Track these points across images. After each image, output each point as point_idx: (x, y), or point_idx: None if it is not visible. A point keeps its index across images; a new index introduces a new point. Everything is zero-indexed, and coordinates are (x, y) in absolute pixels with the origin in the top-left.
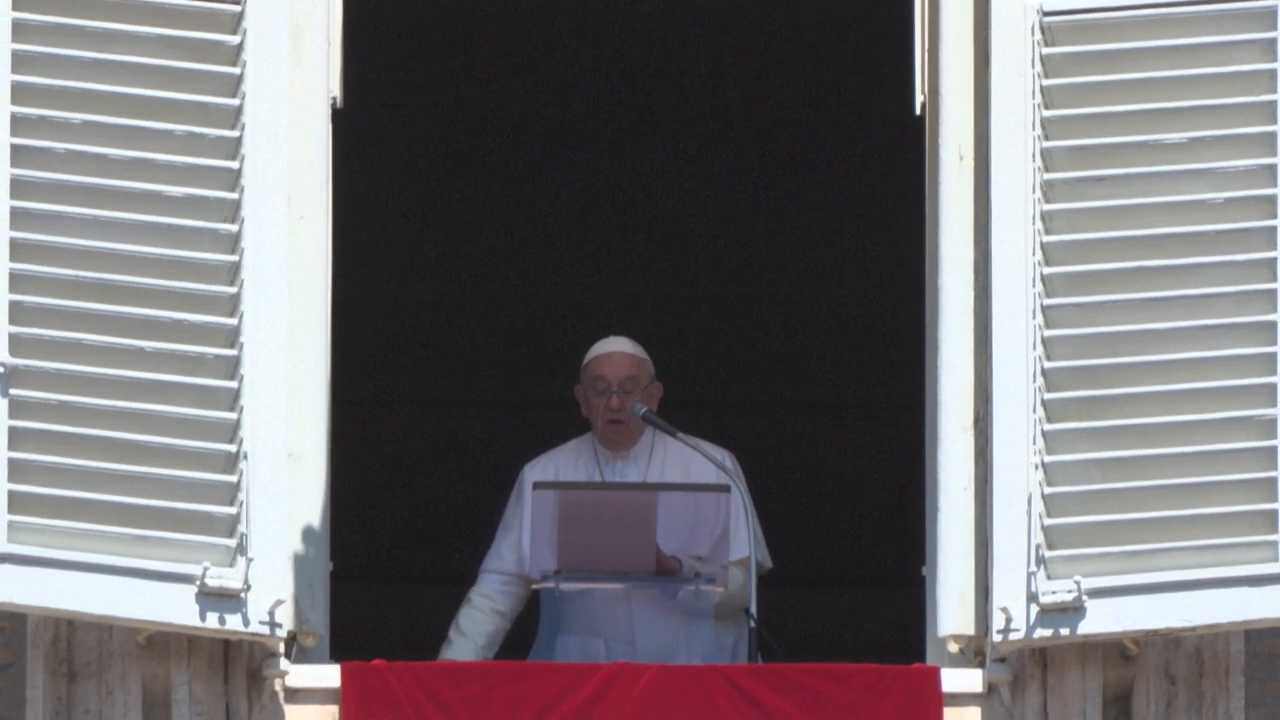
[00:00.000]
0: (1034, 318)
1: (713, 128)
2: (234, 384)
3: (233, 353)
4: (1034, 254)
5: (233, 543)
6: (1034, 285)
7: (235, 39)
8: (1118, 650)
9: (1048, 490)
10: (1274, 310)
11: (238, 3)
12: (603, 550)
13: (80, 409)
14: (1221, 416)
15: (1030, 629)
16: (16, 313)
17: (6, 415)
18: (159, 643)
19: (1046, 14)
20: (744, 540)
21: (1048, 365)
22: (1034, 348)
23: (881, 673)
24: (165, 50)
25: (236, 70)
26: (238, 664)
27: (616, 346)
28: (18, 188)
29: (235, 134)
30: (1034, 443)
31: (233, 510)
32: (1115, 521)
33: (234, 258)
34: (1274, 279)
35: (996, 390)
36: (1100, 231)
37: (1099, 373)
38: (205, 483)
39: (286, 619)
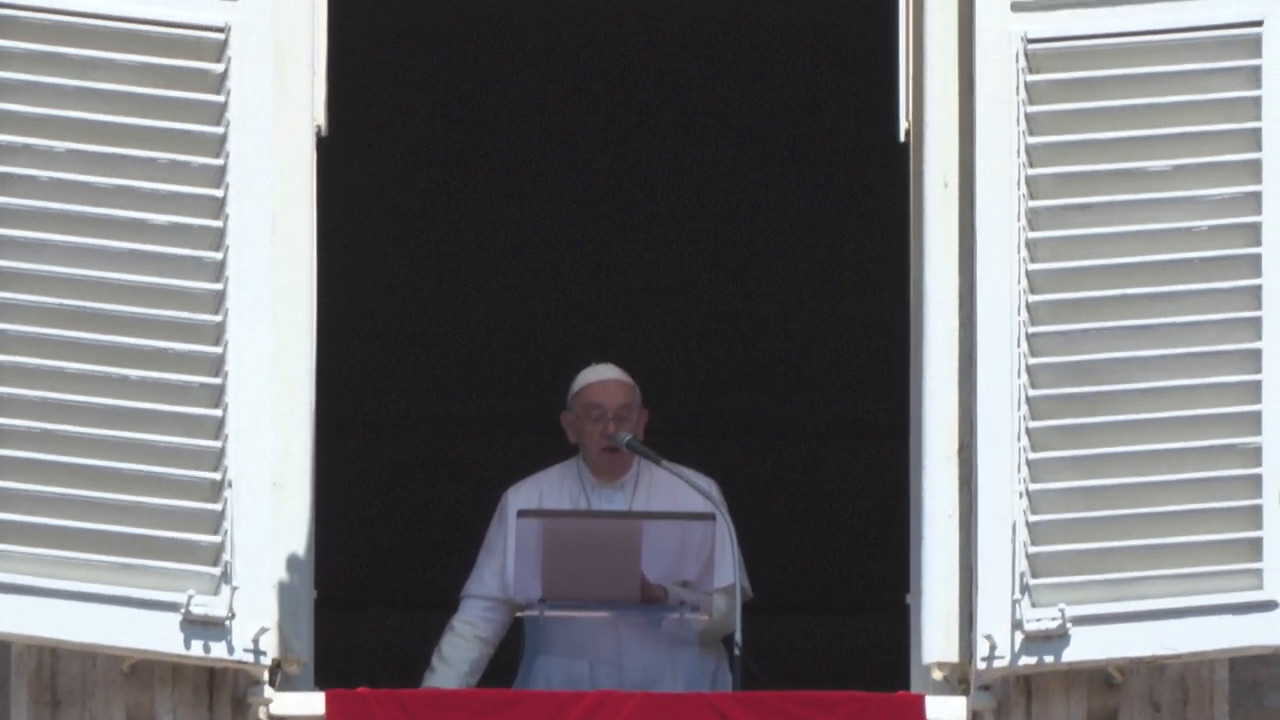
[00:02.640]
0: (1018, 345)
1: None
2: (218, 412)
3: (217, 381)
4: (1019, 281)
5: (217, 571)
6: (1019, 313)
7: (219, 67)
8: (1102, 678)
9: (1032, 518)
10: (1258, 338)
11: (222, 31)
12: (588, 578)
13: (64, 437)
14: (1206, 444)
15: (1015, 656)
16: (0, 341)
17: None
18: (143, 670)
19: (1031, 41)
20: (729, 568)
21: (1032, 393)
22: (1019, 375)
23: (866, 700)
24: (149, 78)
25: (220, 98)
26: (222, 692)
27: (609, 374)
28: (1, 216)
29: (219, 162)
30: (1018, 470)
31: (217, 538)
32: (1100, 549)
33: (218, 286)
34: (1258, 306)
35: (981, 418)
36: (1085, 259)
37: (1084, 401)
38: (189, 511)
39: (271, 647)
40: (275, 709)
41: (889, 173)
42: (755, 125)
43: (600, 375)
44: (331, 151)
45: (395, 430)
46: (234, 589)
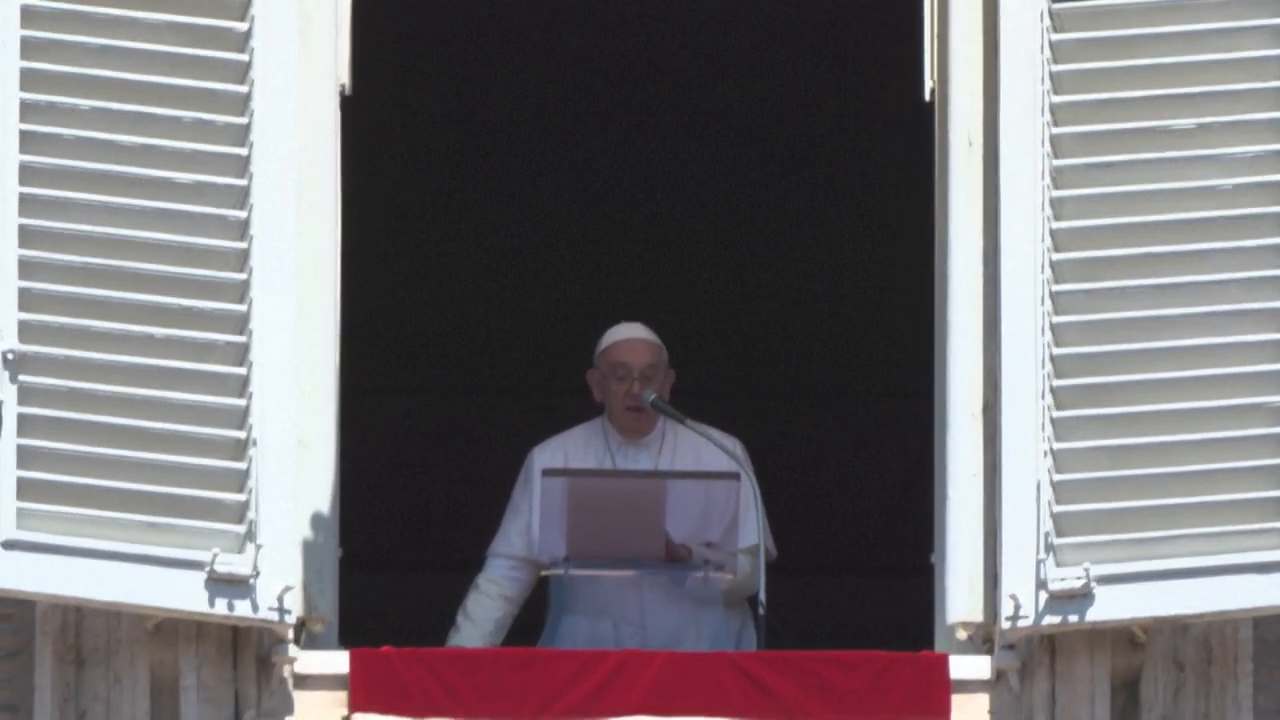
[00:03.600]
0: (1043, 304)
1: (715, 116)
2: (243, 370)
3: (242, 339)
4: (1043, 240)
5: (241, 529)
6: (1043, 271)
7: (243, 26)
8: (1126, 637)
9: (1056, 477)
10: None
11: None
12: (612, 537)
13: (89, 395)
14: (1231, 403)
15: (1039, 616)
16: (26, 299)
17: (16, 402)
18: (167, 629)
19: (1055, 1)
20: (753, 528)
21: (1056, 352)
22: (1043, 334)
23: (890, 659)
24: (174, 37)
25: (245, 57)
26: (246, 650)
27: (636, 333)
28: (27, 174)
29: (244, 120)
30: (1043, 429)
31: (242, 497)
32: (1124, 509)
33: (243, 244)
34: None
35: (1005, 377)
36: (1109, 218)
37: (1108, 359)
38: (214, 469)
39: (295, 605)
40: (300, 667)
41: (913, 133)
42: (777, 88)
43: (627, 334)
44: (354, 111)
45: (421, 392)
46: (258, 547)
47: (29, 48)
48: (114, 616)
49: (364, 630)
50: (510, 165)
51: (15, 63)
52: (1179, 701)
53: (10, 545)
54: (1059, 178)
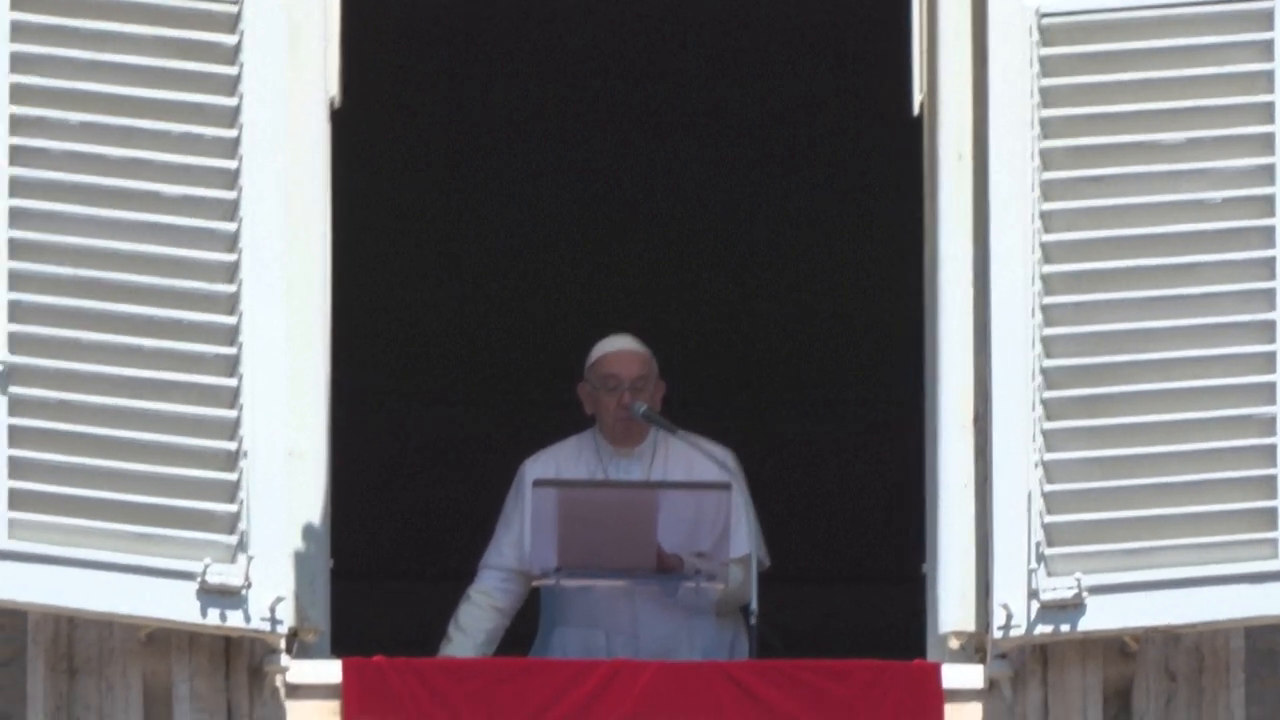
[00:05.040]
0: (1033, 316)
1: (711, 127)
2: (234, 382)
3: (232, 351)
4: (1033, 253)
5: (233, 540)
6: (1033, 284)
7: (233, 39)
8: (1118, 647)
9: (1047, 488)
10: (1272, 309)
11: (235, 3)
12: (604, 548)
13: (80, 407)
14: (1221, 414)
15: (1031, 625)
16: (16, 311)
17: (6, 413)
18: (160, 639)
19: (1044, 15)
20: (744, 538)
21: (1047, 364)
22: (1033, 346)
23: (882, 669)
24: (163, 51)
25: (234, 71)
26: (239, 660)
27: (625, 345)
28: (17, 187)
29: (233, 134)
30: (1034, 440)
31: (233, 508)
32: (1115, 519)
33: (233, 257)
34: (1272, 277)
35: (996, 388)
36: (1099, 230)
37: (1098, 371)
38: (206, 480)
39: (287, 615)
40: (292, 677)
41: (903, 145)
42: (768, 101)
43: (617, 346)
44: (345, 123)
45: (412, 403)
46: (250, 558)
47: (18, 62)
48: (106, 626)
49: (356, 640)
50: (506, 171)
51: (5, 77)
52: (1171, 711)
53: (2, 555)
54: (1048, 191)
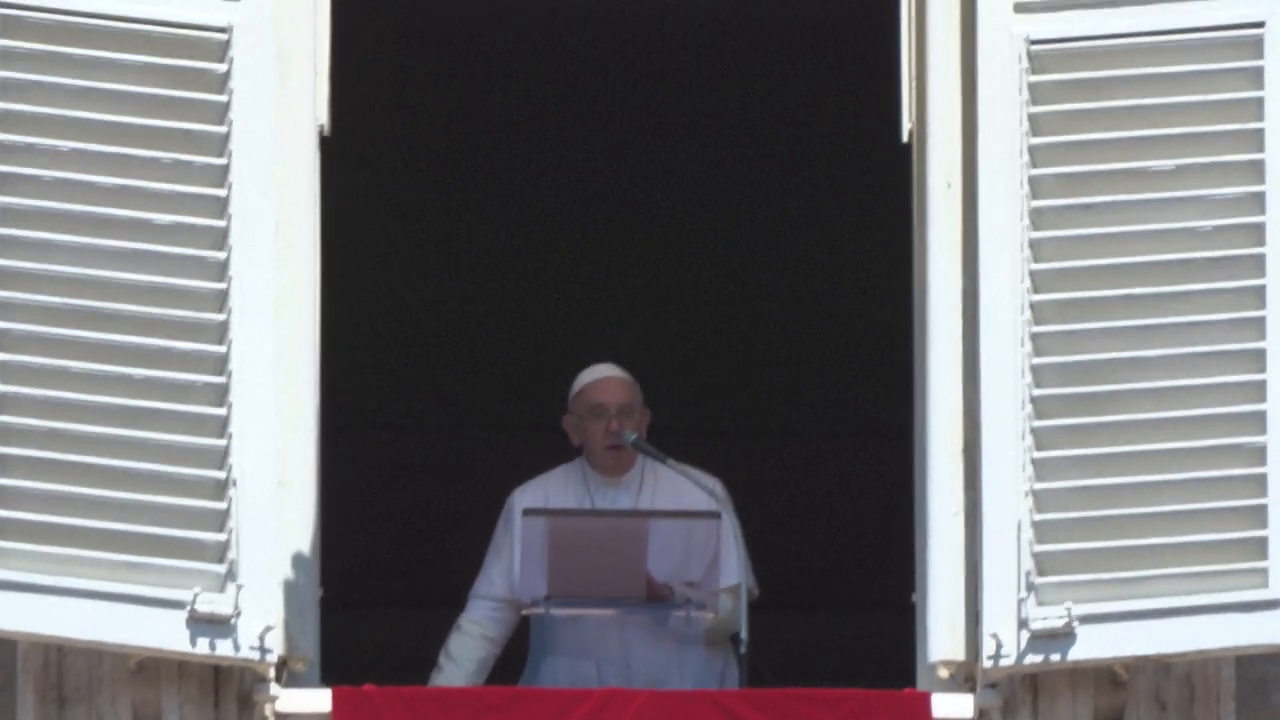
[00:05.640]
0: (1023, 345)
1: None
2: (223, 411)
3: (221, 380)
4: (1022, 281)
5: (223, 569)
6: (1023, 313)
7: (222, 67)
8: (1108, 676)
9: (1037, 517)
10: (1262, 338)
11: (225, 31)
12: (593, 577)
13: (69, 436)
14: (1210, 444)
15: (1021, 655)
16: (4, 340)
17: None
18: (149, 668)
19: (1033, 42)
20: (734, 567)
21: (1036, 393)
22: (1023, 375)
23: (872, 698)
24: (152, 78)
25: (224, 98)
26: (228, 689)
27: (609, 373)
28: (5, 215)
29: (223, 161)
30: (1023, 469)
31: (222, 537)
32: (1105, 548)
33: (222, 285)
34: (1262, 306)
35: (985, 417)
36: (1088, 259)
37: (1088, 400)
38: (195, 509)
39: (277, 644)
40: (281, 706)
41: (891, 173)
42: (755, 126)
43: (600, 374)
44: (334, 151)
45: (400, 429)
46: (239, 587)
47: (6, 88)
48: (96, 655)
49: (345, 669)
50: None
51: None
52: None
53: None
54: (1038, 219)
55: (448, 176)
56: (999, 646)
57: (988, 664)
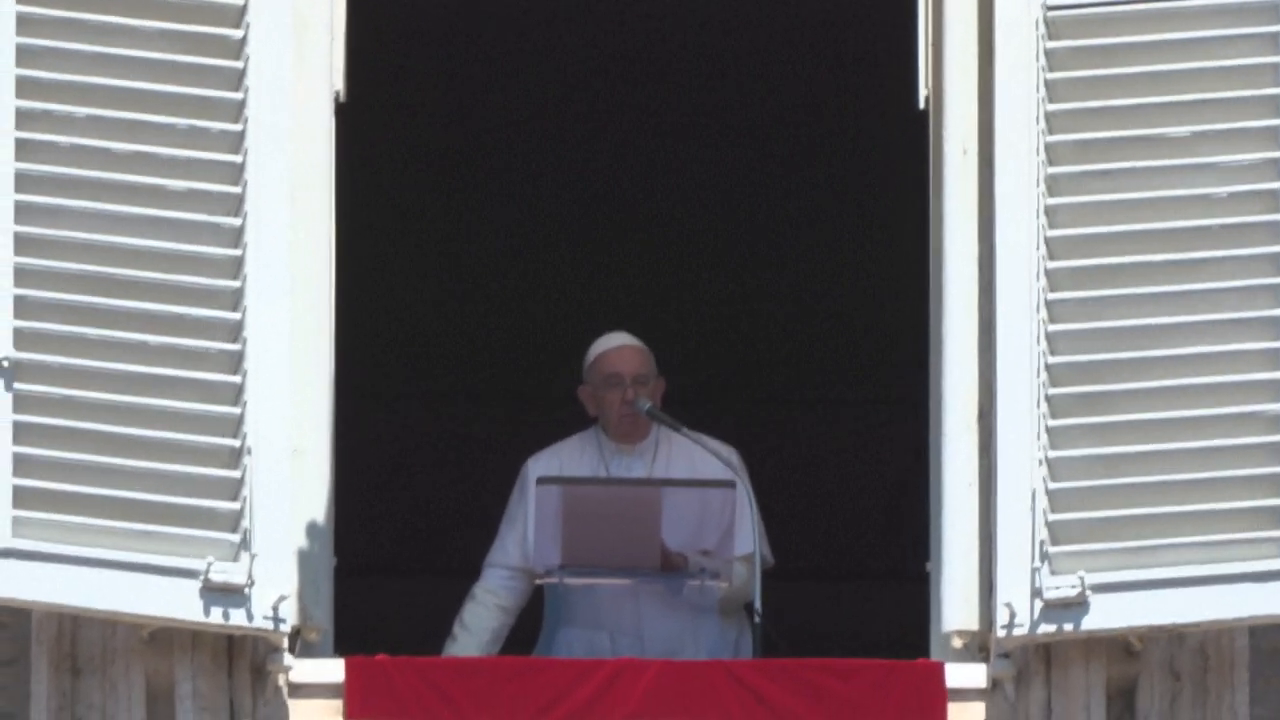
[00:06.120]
0: (1038, 312)
1: (713, 125)
2: (237, 379)
3: (236, 347)
4: (1038, 248)
5: (236, 538)
6: (1038, 280)
7: (238, 33)
8: (1122, 646)
9: (1052, 486)
10: (1278, 305)
11: None
12: (608, 546)
13: (84, 403)
14: (1226, 412)
15: (1034, 624)
16: (20, 307)
17: (10, 410)
18: (162, 638)
19: (1050, 8)
20: (748, 536)
21: (1051, 360)
22: (1038, 343)
23: (885, 668)
24: (168, 44)
25: (239, 64)
26: (241, 659)
27: (623, 341)
28: (22, 182)
29: (238, 128)
30: (1038, 438)
31: (236, 505)
32: (1120, 517)
33: (237, 252)
34: (1278, 273)
35: (1000, 386)
36: (1104, 226)
37: (1103, 368)
38: (209, 478)
39: (290, 614)
40: (295, 676)
41: (908, 141)
42: (772, 98)
43: (615, 343)
44: (350, 117)
45: (416, 399)
46: (253, 556)
47: (25, 55)
48: (109, 625)
49: (359, 638)
50: (508, 167)
51: (11, 70)
52: (1175, 710)
53: (6, 554)
54: (1054, 185)
55: (460, 147)
56: (1013, 616)
57: (1001, 634)
